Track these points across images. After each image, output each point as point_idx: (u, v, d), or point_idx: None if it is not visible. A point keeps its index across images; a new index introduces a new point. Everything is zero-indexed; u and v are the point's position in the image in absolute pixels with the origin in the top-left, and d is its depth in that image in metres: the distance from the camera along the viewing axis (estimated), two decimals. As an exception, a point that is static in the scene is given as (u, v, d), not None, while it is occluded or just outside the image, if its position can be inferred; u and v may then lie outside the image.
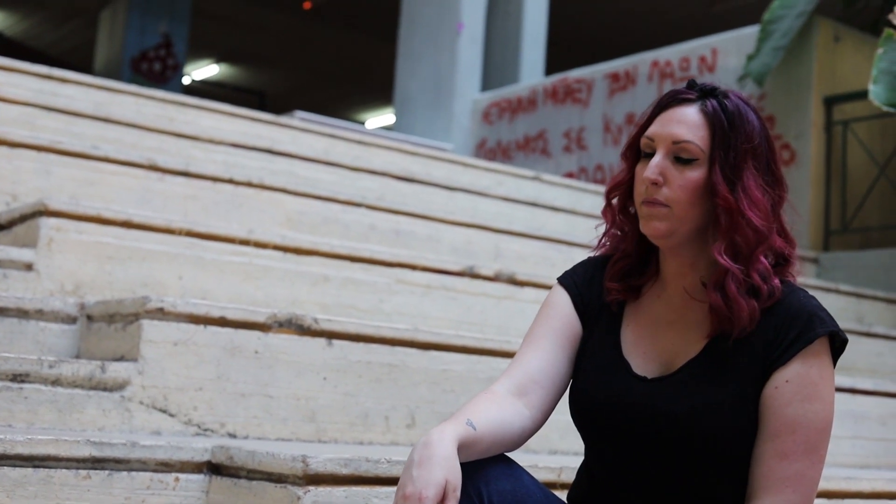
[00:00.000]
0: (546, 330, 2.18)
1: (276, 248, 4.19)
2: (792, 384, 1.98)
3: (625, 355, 2.14)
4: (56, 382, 2.95)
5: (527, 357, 2.15)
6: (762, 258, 2.03)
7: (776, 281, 2.03)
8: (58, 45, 18.74)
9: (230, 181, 4.92)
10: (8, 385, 2.88)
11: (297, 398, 3.30)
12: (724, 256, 2.01)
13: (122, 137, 5.45)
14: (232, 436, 3.17)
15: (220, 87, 20.96)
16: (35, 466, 2.55)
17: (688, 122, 2.06)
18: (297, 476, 2.47)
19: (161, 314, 3.12)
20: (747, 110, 2.08)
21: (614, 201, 2.20)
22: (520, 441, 2.09)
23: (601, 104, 9.71)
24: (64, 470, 2.58)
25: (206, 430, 3.14)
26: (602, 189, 7.64)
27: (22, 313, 3.30)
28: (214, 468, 2.76)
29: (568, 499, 2.26)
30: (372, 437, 3.42)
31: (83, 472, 2.60)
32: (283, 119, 7.01)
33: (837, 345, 2.04)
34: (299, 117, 8.22)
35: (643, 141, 2.11)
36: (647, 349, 2.13)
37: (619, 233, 2.21)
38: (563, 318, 2.19)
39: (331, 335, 3.38)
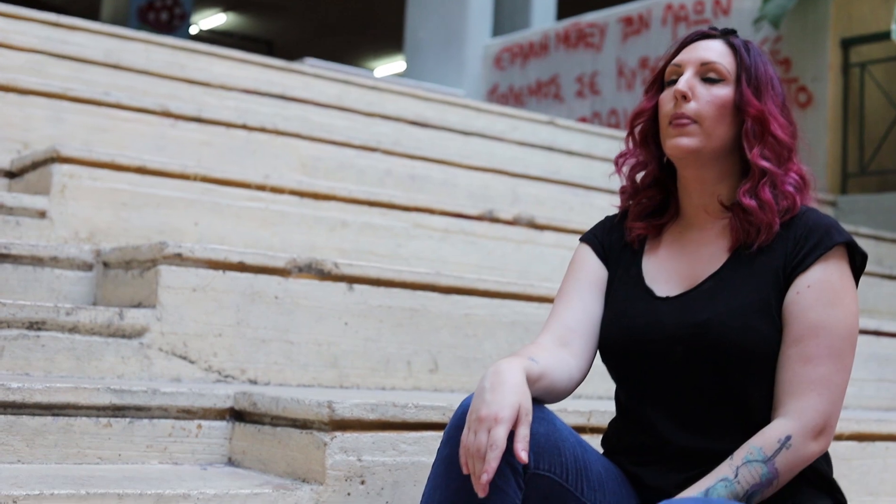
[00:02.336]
0: (573, 283, 2.21)
1: (293, 193, 4.12)
2: (813, 289, 1.99)
3: (647, 283, 2.15)
4: (73, 330, 2.89)
5: (560, 311, 2.18)
6: (792, 170, 2.08)
7: (798, 196, 2.07)
8: (65, -3, 18.59)
9: (244, 126, 4.84)
10: (24, 333, 2.82)
11: (318, 344, 3.25)
12: (762, 160, 2.05)
13: (133, 84, 5.37)
14: (253, 382, 3.12)
15: (228, 37, 20.80)
16: (54, 415, 2.49)
17: (715, 49, 2.14)
18: (323, 422, 2.41)
19: (179, 260, 3.06)
20: (764, 55, 2.16)
21: (637, 129, 2.22)
22: (570, 388, 2.10)
23: (614, 48, 9.59)
24: (84, 418, 2.53)
25: (226, 376, 3.08)
26: (617, 133, 7.56)
27: (36, 261, 3.23)
28: (237, 415, 2.71)
29: (602, 445, 2.23)
30: (394, 382, 3.36)
31: (104, 420, 2.55)
32: (295, 65, 6.92)
33: (858, 263, 2.07)
34: (309, 64, 8.13)
35: (669, 69, 2.16)
36: (669, 274, 2.14)
37: (638, 164, 2.22)
38: (587, 268, 2.22)
39: (351, 280, 3.32)
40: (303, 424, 2.48)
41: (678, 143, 2.07)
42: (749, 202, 2.04)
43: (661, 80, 2.19)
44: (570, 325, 2.14)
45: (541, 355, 2.02)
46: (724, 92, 2.08)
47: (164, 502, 2.23)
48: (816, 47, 7.92)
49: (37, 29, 5.78)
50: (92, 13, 16.82)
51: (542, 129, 7.56)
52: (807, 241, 2.03)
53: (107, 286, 3.27)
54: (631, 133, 2.22)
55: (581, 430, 2.70)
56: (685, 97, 2.07)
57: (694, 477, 1.98)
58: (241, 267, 3.15)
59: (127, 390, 2.58)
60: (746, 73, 2.09)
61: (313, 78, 6.80)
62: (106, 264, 3.30)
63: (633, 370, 2.12)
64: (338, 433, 2.40)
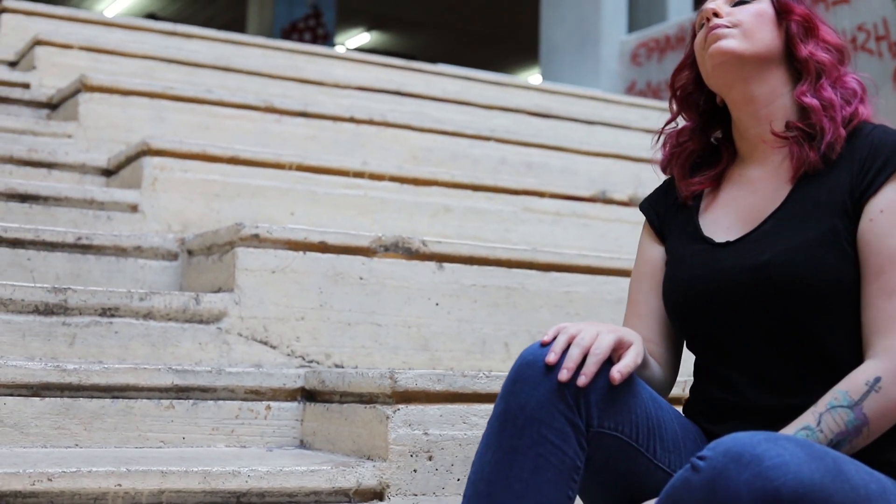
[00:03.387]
0: (637, 283, 2.07)
1: (393, 179, 3.99)
2: (888, 213, 1.78)
3: (705, 234, 1.97)
4: (148, 316, 2.80)
5: (629, 320, 2.06)
6: (846, 77, 1.91)
7: (859, 106, 1.88)
8: (210, 23, 18.85)
9: (351, 120, 4.74)
10: (97, 320, 2.74)
11: (407, 325, 3.10)
12: (818, 53, 1.88)
13: (244, 86, 5.31)
14: (339, 366, 2.99)
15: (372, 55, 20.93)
16: (114, 397, 2.40)
17: None
18: (386, 394, 2.26)
19: (256, 241, 2.95)
20: None
21: (678, 87, 2.07)
22: (662, 394, 1.95)
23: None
24: (145, 400, 2.43)
25: (310, 361, 2.96)
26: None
27: (120, 251, 3.17)
28: (308, 395, 2.58)
29: (684, 411, 2.02)
30: (491, 364, 3.19)
31: (165, 403, 2.45)
32: (416, 64, 6.80)
33: None
34: (447, 67, 8.02)
35: (697, 16, 2.00)
36: (729, 219, 1.95)
37: (684, 121, 2.06)
38: (648, 260, 2.07)
39: (441, 258, 3.17)
40: (368, 399, 2.33)
41: (718, 45, 1.90)
42: (810, 101, 1.85)
43: (694, 33, 2.03)
44: (645, 336, 1.99)
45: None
46: (760, 5, 1.93)
47: (212, 479, 2.11)
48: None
49: (154, 38, 5.79)
50: (238, 38, 17.08)
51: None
52: (875, 159, 1.80)
53: (190, 274, 3.18)
54: (674, 94, 2.07)
55: (677, 401, 2.49)
56: (716, 14, 1.93)
57: None
58: (323, 247, 3.02)
59: (190, 370, 2.48)
60: None
61: (434, 76, 6.68)
62: (190, 252, 3.21)
63: (700, 324, 1.93)
64: (401, 406, 2.25)
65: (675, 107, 2.08)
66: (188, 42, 5.87)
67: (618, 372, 1.68)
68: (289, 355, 2.94)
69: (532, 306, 3.27)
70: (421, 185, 4.03)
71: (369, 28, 20.55)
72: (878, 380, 1.69)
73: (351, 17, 19.02)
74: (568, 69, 10.78)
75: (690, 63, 2.05)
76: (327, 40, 17.16)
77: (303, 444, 2.56)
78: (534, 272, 3.30)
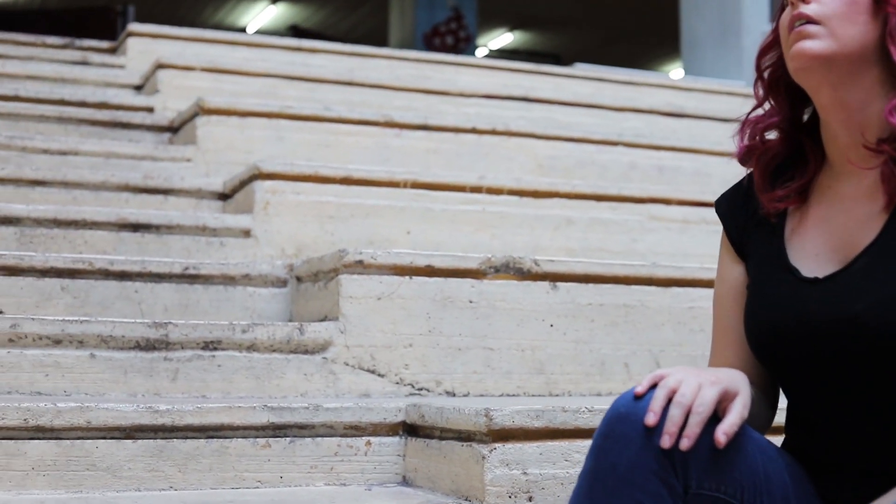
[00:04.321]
0: (722, 308, 1.86)
1: (512, 192, 3.88)
2: None
3: (791, 262, 1.72)
4: (252, 348, 2.75)
5: (718, 352, 1.86)
6: None
7: None
8: (353, 31, 19.03)
9: (473, 130, 4.64)
10: (199, 354, 2.70)
11: (521, 349, 2.99)
12: None
13: (367, 100, 5.26)
14: (450, 394, 2.89)
15: (516, 55, 20.82)
16: (209, 437, 2.35)
17: None
18: (482, 432, 2.15)
19: (361, 267, 2.87)
20: None
21: (766, 71, 1.78)
22: (765, 427, 1.79)
23: None
24: (240, 440, 2.37)
25: (420, 388, 2.87)
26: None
27: (228, 279, 3.13)
28: (410, 429, 2.49)
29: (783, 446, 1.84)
30: (612, 386, 3.06)
31: (261, 441, 2.38)
32: (546, 67, 6.67)
33: None
34: (580, 69, 7.87)
35: None
36: (818, 248, 1.71)
37: (768, 117, 1.78)
38: (730, 281, 1.85)
39: (555, 277, 3.04)
40: (466, 437, 2.23)
41: (801, 48, 1.63)
42: None
43: (782, 9, 1.74)
44: (735, 367, 1.75)
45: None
46: None
47: (298, 527, 2.03)
48: None
49: (279, 55, 5.78)
50: (380, 44, 17.18)
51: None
52: None
53: (299, 301, 3.13)
54: (760, 77, 1.80)
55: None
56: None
57: (868, 495, 1.58)
58: (430, 271, 2.93)
59: (286, 407, 2.40)
60: None
61: (564, 78, 6.54)
62: (298, 279, 3.15)
63: (784, 369, 1.73)
64: (498, 444, 2.14)
65: (761, 91, 1.81)
66: (313, 57, 5.85)
67: (723, 434, 1.50)
68: (397, 383, 2.86)
69: (653, 324, 3.13)
70: (541, 198, 3.91)
71: (512, 28, 20.43)
72: None
73: (493, 18, 18.92)
74: (710, 63, 10.52)
75: (777, 41, 1.77)
76: (469, 42, 17.11)
77: (405, 481, 2.47)
78: (653, 288, 3.15)
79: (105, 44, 6.00)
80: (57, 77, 5.14)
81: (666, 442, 1.49)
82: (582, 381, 3.03)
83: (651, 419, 1.51)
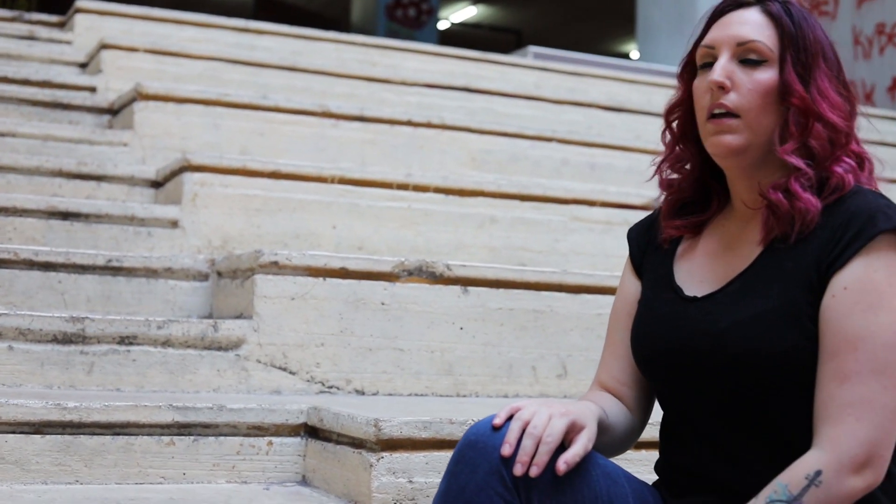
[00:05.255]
0: (615, 322, 1.99)
1: (438, 190, 3.99)
2: (851, 291, 1.65)
3: (677, 282, 1.87)
4: (166, 343, 2.85)
5: (606, 361, 1.99)
6: (847, 154, 1.76)
7: (850, 177, 1.73)
8: (315, 0, 19.02)
9: (408, 123, 4.73)
10: (115, 348, 2.79)
11: (430, 350, 3.10)
12: (795, 157, 1.73)
13: (310, 86, 5.34)
14: (360, 392, 3.00)
15: (478, 29, 20.84)
16: (115, 434, 2.45)
17: (751, 23, 1.81)
18: (372, 441, 2.26)
19: (276, 268, 2.97)
20: (810, 15, 1.83)
21: (674, 125, 1.91)
22: (629, 441, 1.94)
23: (849, 15, 9.01)
24: (146, 437, 2.47)
25: (330, 386, 2.98)
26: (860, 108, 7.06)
27: (150, 272, 3.22)
28: (311, 431, 2.60)
29: (654, 468, 1.97)
30: (518, 389, 3.18)
31: (166, 439, 2.48)
32: (492, 56, 6.76)
33: None
34: (532, 53, 7.95)
35: (700, 52, 1.83)
36: (703, 271, 1.86)
37: (678, 162, 1.91)
38: (626, 297, 1.98)
39: (466, 282, 3.15)
40: (358, 444, 2.34)
41: (721, 141, 1.76)
42: (775, 196, 1.73)
43: (692, 65, 1.86)
44: (617, 377, 1.94)
45: (606, 406, 1.85)
46: (768, 76, 1.76)
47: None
48: None
49: (226, 36, 5.86)
50: (344, 16, 17.17)
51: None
52: (846, 230, 1.68)
53: (219, 296, 3.22)
54: (668, 128, 1.92)
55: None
56: (723, 88, 1.76)
57: None
58: (344, 273, 3.03)
59: (191, 407, 2.50)
60: (793, 48, 1.76)
61: (510, 67, 6.64)
62: (219, 273, 3.25)
63: (661, 382, 1.88)
64: (385, 453, 2.25)
65: (670, 140, 1.93)
66: (260, 38, 5.92)
67: (564, 463, 1.63)
68: (308, 381, 2.96)
69: (561, 329, 3.24)
70: (466, 196, 4.02)
71: (475, 1, 20.44)
72: (818, 473, 1.60)
73: (456, -9, 18.96)
74: (665, 50, 10.59)
75: (687, 102, 1.87)
76: (432, 15, 17.15)
77: (304, 480, 2.58)
78: (563, 294, 3.27)
79: (55, 18, 6.02)
80: (3, 53, 5.17)
81: (518, 470, 1.63)
82: (489, 384, 3.15)
83: (506, 450, 1.64)
